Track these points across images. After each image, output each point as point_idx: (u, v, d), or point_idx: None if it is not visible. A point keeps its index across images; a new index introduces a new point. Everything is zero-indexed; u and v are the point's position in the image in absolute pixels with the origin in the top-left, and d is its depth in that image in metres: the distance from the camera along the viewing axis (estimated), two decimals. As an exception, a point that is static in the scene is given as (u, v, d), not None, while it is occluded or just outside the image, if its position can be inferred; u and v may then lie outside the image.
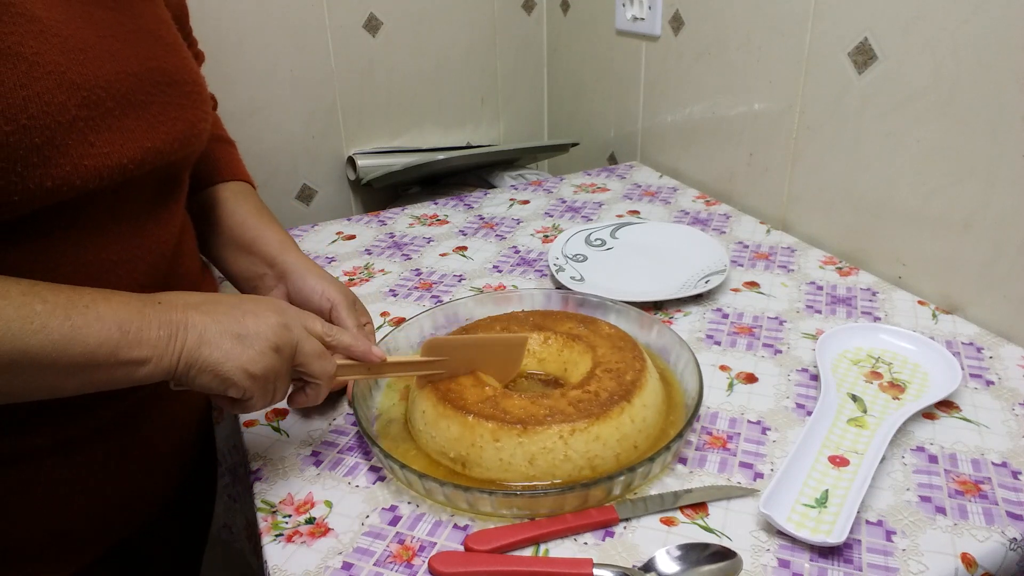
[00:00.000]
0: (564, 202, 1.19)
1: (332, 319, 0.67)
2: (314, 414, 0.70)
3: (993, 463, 0.62)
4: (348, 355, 0.60)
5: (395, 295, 0.91)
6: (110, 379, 0.48)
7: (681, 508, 0.58)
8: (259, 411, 0.53)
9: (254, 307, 0.54)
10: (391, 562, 0.54)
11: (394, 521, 0.58)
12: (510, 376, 0.68)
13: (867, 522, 0.56)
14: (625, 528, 0.57)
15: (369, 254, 1.03)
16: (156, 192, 0.60)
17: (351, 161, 1.42)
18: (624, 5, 1.29)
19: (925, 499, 0.58)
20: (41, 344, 0.45)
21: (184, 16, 0.74)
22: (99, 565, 0.64)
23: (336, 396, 0.72)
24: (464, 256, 1.01)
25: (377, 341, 0.72)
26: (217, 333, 0.51)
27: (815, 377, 0.73)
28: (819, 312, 0.84)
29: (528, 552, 0.55)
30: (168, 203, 0.62)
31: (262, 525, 0.58)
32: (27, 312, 0.45)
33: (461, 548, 0.55)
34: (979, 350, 0.76)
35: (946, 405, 0.69)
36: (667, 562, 0.53)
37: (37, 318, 0.45)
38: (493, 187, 1.38)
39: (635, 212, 1.13)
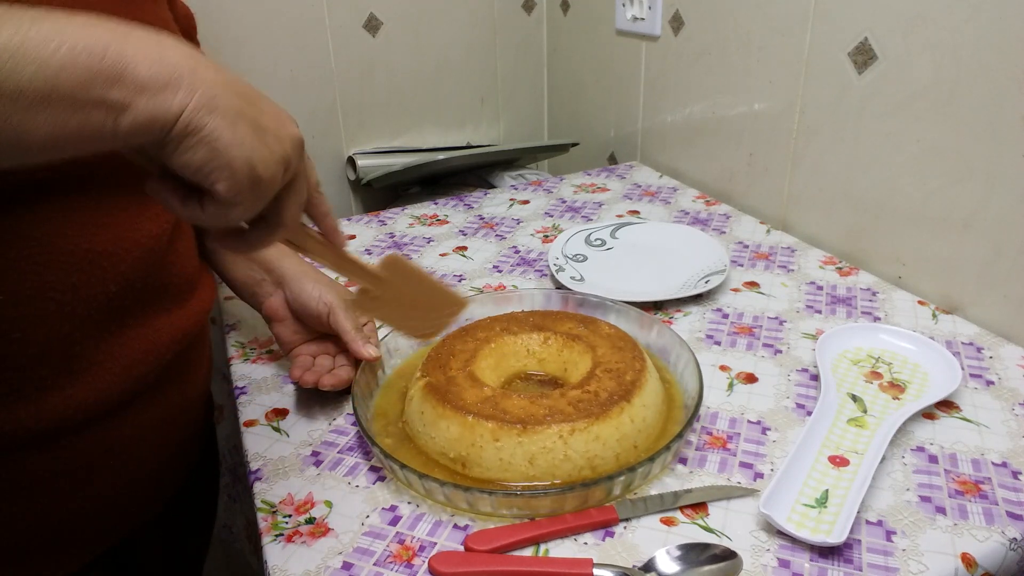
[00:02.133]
0: (564, 202, 1.19)
1: (330, 323, 0.68)
2: (316, 413, 0.70)
3: (993, 463, 0.62)
4: (317, 216, 0.51)
5: (395, 295, 0.91)
6: (86, 124, 0.37)
7: (681, 508, 0.58)
8: (226, 224, 0.43)
9: (276, 109, 0.44)
10: (391, 562, 0.54)
11: (394, 521, 0.58)
12: (429, 335, 0.64)
13: (867, 522, 0.56)
14: (625, 528, 0.57)
15: (369, 254, 1.02)
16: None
17: (351, 161, 1.42)
18: (624, 5, 1.29)
19: (925, 499, 0.58)
20: None
21: (191, 29, 0.74)
22: (99, 564, 0.64)
23: (337, 396, 0.72)
24: (464, 256, 1.01)
25: (378, 340, 0.72)
26: (233, 109, 0.40)
27: (815, 377, 0.73)
28: (819, 312, 0.84)
29: (528, 552, 0.55)
30: None
31: (262, 525, 0.58)
32: None
33: (461, 548, 0.55)
34: (979, 350, 0.76)
35: (946, 405, 0.69)
36: (667, 562, 0.53)
37: None
38: (493, 187, 1.38)
39: (635, 212, 1.13)
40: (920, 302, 0.85)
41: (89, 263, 0.54)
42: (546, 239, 1.06)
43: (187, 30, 0.71)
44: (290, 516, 0.59)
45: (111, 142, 0.38)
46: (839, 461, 0.61)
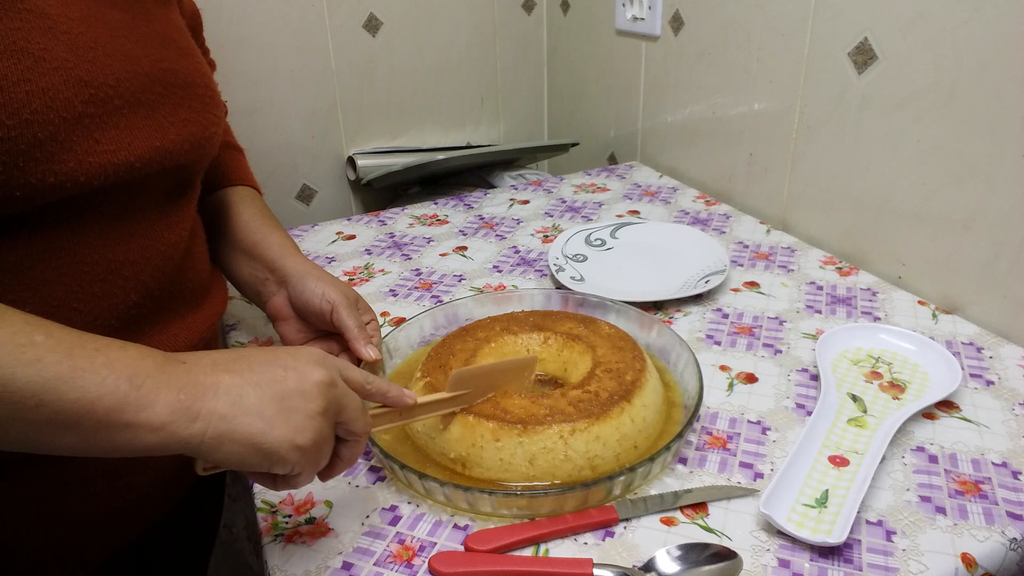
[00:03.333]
0: (564, 202, 1.19)
1: (333, 321, 0.67)
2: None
3: (993, 463, 0.62)
4: (384, 401, 0.55)
5: (395, 295, 0.91)
6: (109, 444, 0.41)
7: (681, 508, 0.58)
8: (305, 486, 0.47)
9: (294, 362, 0.47)
10: (391, 562, 0.54)
11: (394, 521, 0.58)
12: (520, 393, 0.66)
13: (867, 522, 0.56)
14: (625, 528, 0.57)
15: (369, 254, 1.02)
16: (166, 194, 0.60)
17: (351, 161, 1.42)
18: (624, 5, 1.29)
19: (925, 499, 0.58)
20: (30, 379, 0.37)
21: (198, 26, 0.75)
22: (107, 567, 0.64)
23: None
24: (464, 256, 1.01)
25: (380, 340, 0.72)
26: (256, 398, 0.44)
27: (815, 377, 0.73)
28: (819, 312, 0.84)
29: (528, 552, 0.55)
30: (178, 206, 0.62)
31: (262, 525, 0.58)
32: (24, 340, 0.38)
33: (461, 548, 0.55)
34: (979, 350, 0.76)
35: (946, 405, 0.69)
36: (667, 562, 0.53)
37: (33, 348, 0.38)
38: (493, 187, 1.38)
39: (635, 212, 1.13)
40: (920, 302, 0.85)
41: (112, 273, 0.55)
42: (546, 239, 1.06)
43: (194, 27, 0.71)
44: (290, 516, 0.59)
45: (131, 454, 0.41)
46: (839, 461, 0.61)
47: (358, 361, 0.68)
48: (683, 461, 0.63)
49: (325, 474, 0.50)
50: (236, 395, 0.43)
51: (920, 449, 0.64)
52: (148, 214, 0.58)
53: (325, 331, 0.72)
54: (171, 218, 0.61)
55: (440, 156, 1.32)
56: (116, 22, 0.55)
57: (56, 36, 0.49)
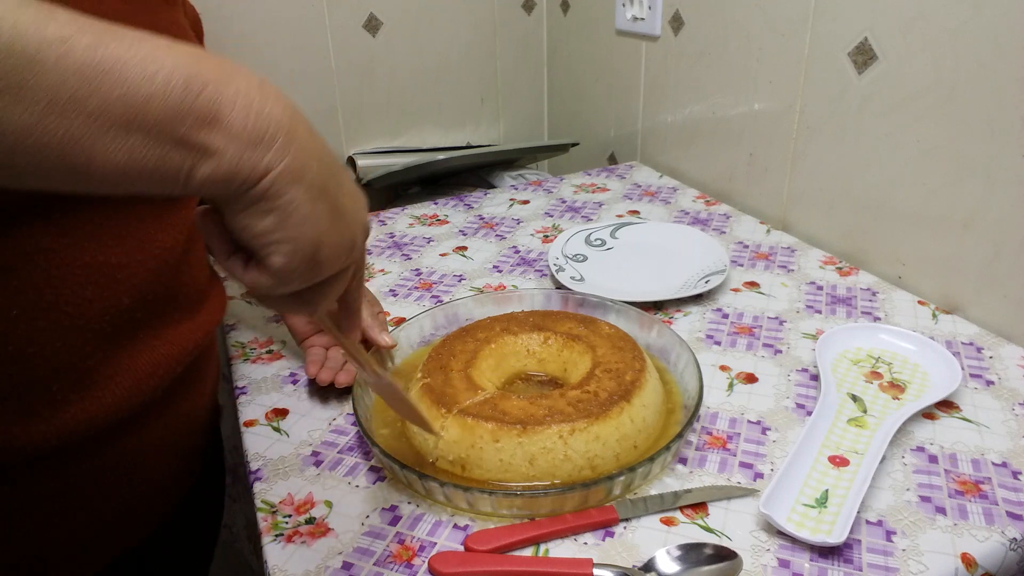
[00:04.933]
0: (564, 202, 1.19)
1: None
2: (316, 413, 0.70)
3: (993, 463, 0.62)
4: (343, 306, 0.49)
5: (395, 295, 0.91)
6: (160, 164, 0.33)
7: (681, 508, 0.58)
8: (270, 294, 0.40)
9: (355, 188, 0.41)
10: (391, 562, 0.54)
11: (394, 521, 0.58)
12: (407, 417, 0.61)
13: (867, 522, 0.56)
14: (625, 528, 0.57)
15: (369, 254, 1.02)
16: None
17: (351, 161, 1.42)
18: (624, 5, 1.29)
19: (925, 499, 0.58)
20: (56, 63, 0.30)
21: (199, 32, 0.74)
22: (108, 572, 0.64)
23: (337, 395, 0.72)
24: (464, 256, 1.01)
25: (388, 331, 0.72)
26: (318, 183, 0.37)
27: (815, 377, 0.73)
28: (819, 312, 0.84)
29: (528, 552, 0.55)
30: (174, 207, 0.61)
31: (262, 525, 0.58)
32: (45, 16, 0.30)
33: (461, 548, 0.55)
34: (979, 350, 0.76)
35: (946, 405, 0.69)
36: (667, 562, 0.53)
37: (57, 26, 0.30)
38: (493, 187, 1.38)
39: (635, 212, 1.13)
40: (920, 302, 0.85)
41: (103, 276, 0.54)
42: (546, 239, 1.06)
43: (195, 33, 0.71)
44: (290, 516, 0.59)
45: (178, 189, 0.34)
46: (839, 461, 0.61)
47: (368, 347, 0.68)
48: (683, 461, 0.63)
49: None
50: (306, 162, 0.36)
51: (920, 449, 0.64)
52: (141, 215, 0.57)
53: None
54: (166, 220, 0.60)
55: (440, 156, 1.32)
56: (113, 11, 0.54)
57: None
